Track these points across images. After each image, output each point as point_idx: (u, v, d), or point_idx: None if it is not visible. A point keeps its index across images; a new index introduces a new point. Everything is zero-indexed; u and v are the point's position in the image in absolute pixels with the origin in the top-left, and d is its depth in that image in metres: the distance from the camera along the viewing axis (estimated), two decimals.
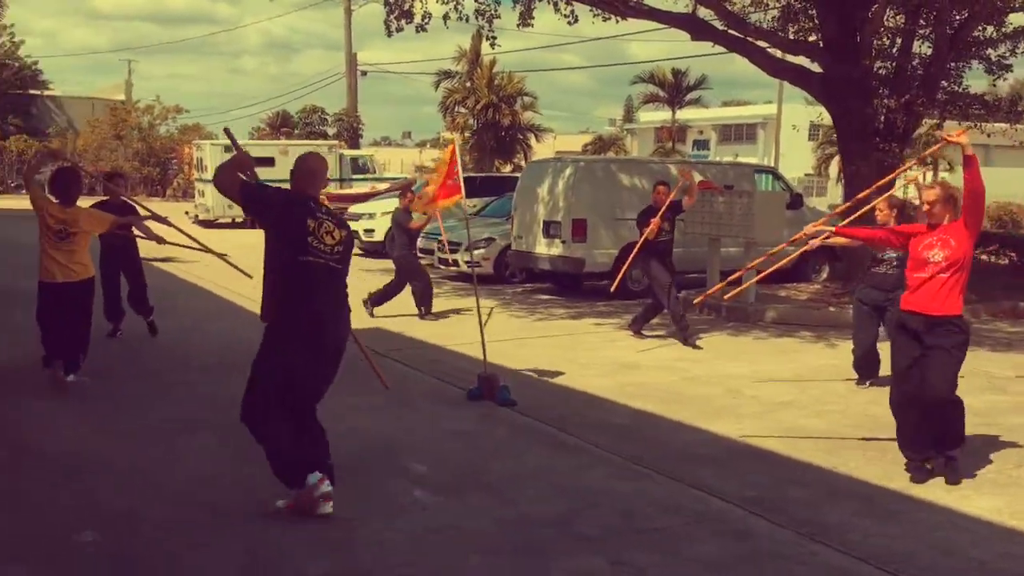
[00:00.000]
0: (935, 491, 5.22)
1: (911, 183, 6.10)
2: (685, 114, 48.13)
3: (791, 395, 7.55)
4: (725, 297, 6.99)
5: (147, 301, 9.54)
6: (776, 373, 8.36)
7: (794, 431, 6.45)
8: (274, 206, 4.55)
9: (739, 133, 52.26)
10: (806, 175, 42.03)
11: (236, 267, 7.60)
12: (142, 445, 5.75)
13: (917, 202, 7.01)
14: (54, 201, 7.17)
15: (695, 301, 8.84)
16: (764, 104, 50.54)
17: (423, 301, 11.24)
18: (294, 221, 4.47)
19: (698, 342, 9.67)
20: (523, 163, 34.53)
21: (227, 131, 5.45)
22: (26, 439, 5.66)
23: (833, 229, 6.23)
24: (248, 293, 12.38)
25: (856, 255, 10.64)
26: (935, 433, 5.39)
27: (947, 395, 5.23)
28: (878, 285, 7.49)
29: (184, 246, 7.99)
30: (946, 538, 4.52)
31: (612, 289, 10.67)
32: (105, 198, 8.99)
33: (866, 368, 7.86)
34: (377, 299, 11.13)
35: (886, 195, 7.55)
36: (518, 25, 14.74)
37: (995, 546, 4.45)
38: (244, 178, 4.65)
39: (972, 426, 5.78)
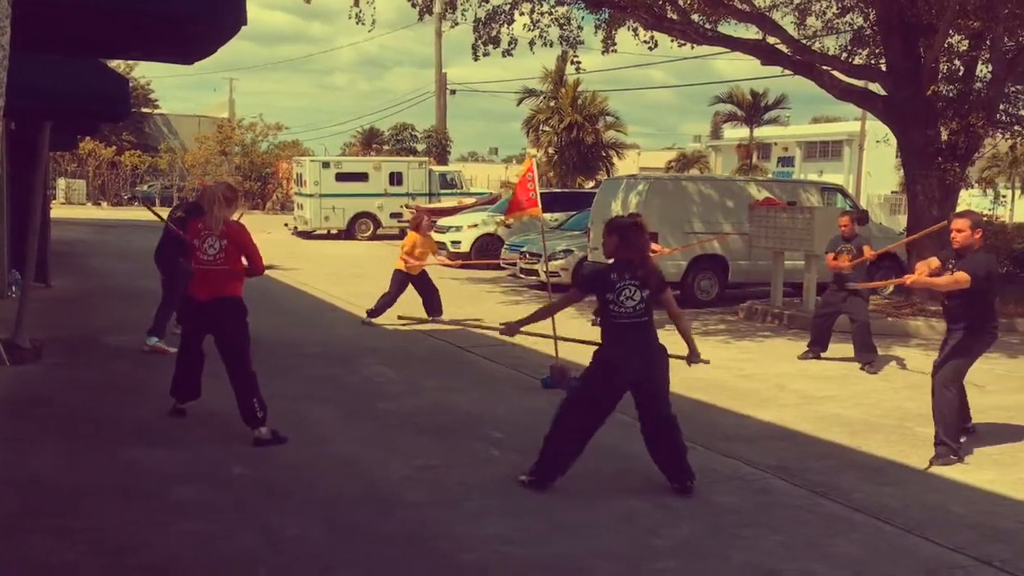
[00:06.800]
0: (941, 467, 6.03)
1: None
2: (769, 131, 48.34)
3: (832, 390, 8.37)
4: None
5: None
6: (823, 373, 9.17)
7: (827, 418, 7.30)
8: None
9: (824, 150, 52.07)
10: (892, 192, 41.64)
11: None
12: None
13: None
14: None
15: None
16: (853, 121, 50.22)
17: None
18: None
19: (756, 346, 10.50)
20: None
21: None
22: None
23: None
24: (340, 295, 13.80)
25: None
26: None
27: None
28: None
29: None
30: (935, 499, 5.38)
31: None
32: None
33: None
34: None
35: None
36: (602, 52, 15.84)
37: (973, 505, 5.30)
38: None
39: (998, 417, 6.57)
